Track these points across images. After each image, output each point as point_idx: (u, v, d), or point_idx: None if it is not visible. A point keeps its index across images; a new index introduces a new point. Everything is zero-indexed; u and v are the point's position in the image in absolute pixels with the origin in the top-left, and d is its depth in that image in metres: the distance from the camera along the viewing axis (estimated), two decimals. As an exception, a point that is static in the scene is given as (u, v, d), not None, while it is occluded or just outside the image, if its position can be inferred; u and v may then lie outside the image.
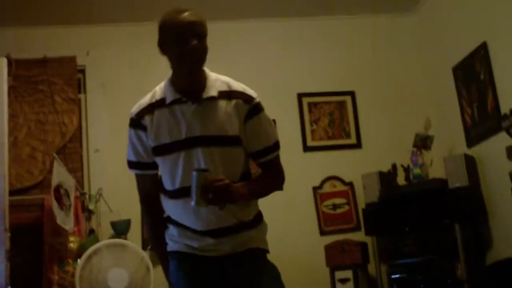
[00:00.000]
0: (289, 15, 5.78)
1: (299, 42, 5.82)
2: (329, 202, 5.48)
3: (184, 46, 2.33)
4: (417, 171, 5.09)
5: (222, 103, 2.43)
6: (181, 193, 2.42)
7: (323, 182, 5.52)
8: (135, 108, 2.50)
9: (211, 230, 2.43)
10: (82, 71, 5.50)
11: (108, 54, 5.53)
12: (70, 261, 4.51)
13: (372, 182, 5.13)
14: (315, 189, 5.50)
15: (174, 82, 2.45)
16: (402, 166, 5.19)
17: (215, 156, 2.39)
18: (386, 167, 5.22)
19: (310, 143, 5.62)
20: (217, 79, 2.48)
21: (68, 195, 4.60)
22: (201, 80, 2.44)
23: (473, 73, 4.98)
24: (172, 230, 2.53)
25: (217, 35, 5.57)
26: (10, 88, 4.66)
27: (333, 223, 5.43)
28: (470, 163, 4.84)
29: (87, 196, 5.01)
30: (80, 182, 5.03)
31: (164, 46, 2.41)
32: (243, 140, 2.46)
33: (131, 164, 2.56)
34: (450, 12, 5.36)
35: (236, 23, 5.74)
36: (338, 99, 5.74)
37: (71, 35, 5.51)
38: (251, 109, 2.46)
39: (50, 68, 5.32)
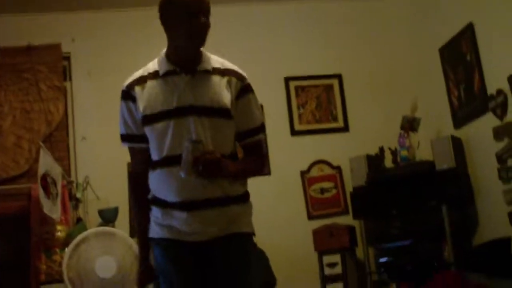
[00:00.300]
0: (275, -1, 5.75)
1: (286, 26, 5.79)
2: (317, 186, 5.48)
3: (195, 21, 2.41)
4: (404, 153, 5.10)
5: (216, 78, 2.49)
6: (167, 161, 2.43)
7: (311, 166, 5.52)
8: (126, 81, 2.54)
9: (197, 201, 2.41)
10: (68, 59, 5.46)
11: (94, 41, 5.49)
12: (58, 250, 4.51)
13: (359, 166, 5.13)
14: (302, 173, 5.50)
15: (169, 55, 2.50)
16: (389, 149, 5.19)
17: (206, 127, 2.42)
18: (373, 150, 5.22)
19: (297, 127, 5.61)
20: (212, 57, 2.56)
21: (55, 184, 4.58)
22: (197, 55, 2.51)
23: (460, 54, 4.97)
24: (156, 212, 2.51)
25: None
26: (-5, 76, 4.64)
27: (321, 207, 5.44)
28: (457, 144, 4.85)
29: (74, 185, 5.00)
30: (67, 171, 5.01)
31: (171, 21, 2.46)
32: (234, 117, 2.50)
33: (123, 137, 2.58)
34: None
35: (222, 7, 5.63)
36: (325, 83, 5.73)
37: (56, 22, 5.46)
38: (243, 87, 2.53)
39: (35, 56, 5.28)
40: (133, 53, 5.12)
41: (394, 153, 5.17)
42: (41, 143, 4.77)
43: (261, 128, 2.61)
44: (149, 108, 2.44)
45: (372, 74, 5.74)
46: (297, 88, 5.68)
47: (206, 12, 2.45)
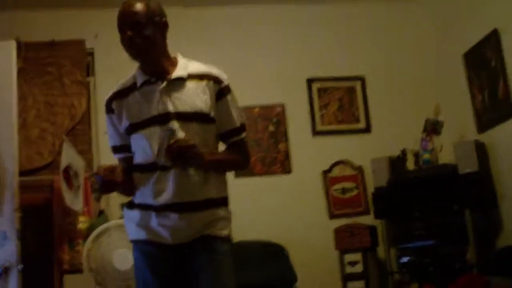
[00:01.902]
0: (299, 0, 5.75)
1: (310, 27, 5.80)
2: (339, 186, 5.47)
3: (121, 37, 2.47)
4: (426, 156, 5.08)
5: (192, 83, 2.51)
6: (154, 167, 2.44)
7: (333, 166, 5.51)
8: (107, 96, 2.60)
9: (177, 204, 2.42)
10: (91, 54, 5.49)
11: (117, 37, 5.47)
12: (80, 241, 4.52)
13: (381, 167, 5.13)
14: (324, 173, 5.49)
15: (142, 67, 2.54)
16: (412, 151, 5.17)
17: (190, 132, 2.43)
18: (395, 152, 5.21)
19: (319, 127, 5.61)
20: (188, 63, 2.58)
21: (77, 177, 4.59)
22: (166, 65, 2.52)
23: (484, 60, 4.96)
24: (136, 214, 2.52)
25: (227, 19, 5.65)
26: (19, 70, 4.64)
27: (343, 207, 5.43)
28: (481, 148, 4.83)
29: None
30: (90, 164, 5.03)
31: None
32: (216, 120, 2.53)
33: (113, 149, 2.62)
34: (461, -1, 5.35)
35: (246, 7, 5.72)
36: (347, 85, 5.73)
37: (80, 19, 5.49)
38: (221, 89, 2.53)
39: (59, 51, 5.31)
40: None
41: (416, 155, 5.15)
42: (64, 136, 4.79)
43: (241, 129, 2.61)
44: (132, 117, 2.48)
45: (396, 77, 5.73)
46: (319, 90, 5.68)
47: (134, 26, 2.42)
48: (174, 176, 2.42)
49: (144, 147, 2.46)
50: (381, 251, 5.14)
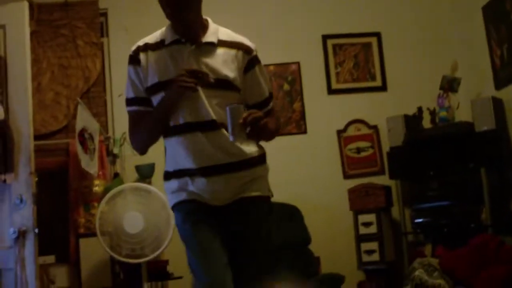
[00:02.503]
0: (314, -45, 5.64)
1: (324, -18, 5.69)
2: (353, 145, 5.44)
3: None
4: (443, 114, 5.02)
5: (221, 50, 2.49)
6: (186, 128, 2.44)
7: (347, 125, 5.47)
8: (133, 47, 2.55)
9: (213, 167, 2.42)
10: (105, 15, 5.46)
11: (130, -3, 5.47)
12: (96, 204, 4.59)
13: (397, 125, 5.07)
14: (339, 132, 5.46)
15: (173, 26, 2.51)
16: (428, 109, 5.11)
17: (213, 98, 2.43)
18: (411, 110, 5.15)
19: (334, 85, 5.55)
20: (218, 29, 2.55)
21: (92, 139, 4.63)
22: (198, 27, 2.50)
23: (504, 13, 4.82)
24: (172, 184, 2.52)
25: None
26: (33, 33, 4.65)
27: (357, 166, 5.41)
28: (498, 106, 4.74)
29: (111, 140, 5.05)
30: (104, 126, 5.06)
31: None
32: (242, 90, 2.51)
33: (130, 101, 2.55)
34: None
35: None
36: (363, 41, 5.63)
37: (93, -22, 5.44)
38: (251, 59, 2.52)
39: (72, 12, 5.28)
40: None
41: (432, 113, 5.09)
42: (79, 99, 4.81)
43: (270, 98, 2.62)
44: (160, 75, 2.45)
45: (412, 33, 5.61)
46: (334, 46, 5.61)
47: None
48: (210, 137, 2.42)
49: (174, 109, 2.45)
50: (395, 211, 5.14)
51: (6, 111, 3.97)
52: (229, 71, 2.46)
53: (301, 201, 4.98)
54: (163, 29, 2.53)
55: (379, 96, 5.53)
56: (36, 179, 3.90)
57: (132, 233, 4.30)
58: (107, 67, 5.36)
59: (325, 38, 5.60)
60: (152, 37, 2.53)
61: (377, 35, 5.63)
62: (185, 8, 2.42)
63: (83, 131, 4.58)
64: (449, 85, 5.06)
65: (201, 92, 2.41)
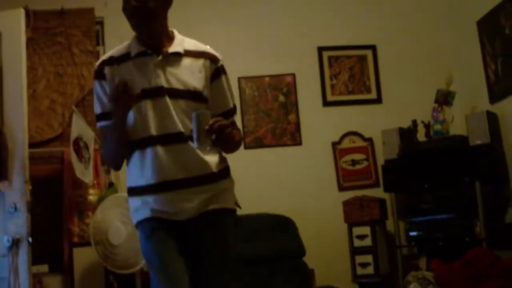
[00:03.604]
0: (310, -33, 5.67)
1: (320, -5, 5.72)
2: (348, 157, 5.45)
3: (124, 4, 2.44)
4: (437, 127, 5.04)
5: (188, 60, 2.50)
6: (147, 142, 2.42)
7: (342, 137, 5.48)
8: (98, 61, 2.56)
9: (175, 181, 2.40)
10: (101, 23, 5.45)
11: (127, 5, 5.45)
12: (90, 213, 4.56)
13: (392, 138, 5.08)
14: (334, 144, 5.46)
15: (139, 38, 2.51)
16: (422, 122, 5.13)
17: (183, 109, 2.42)
18: (406, 123, 5.17)
19: (330, 97, 5.56)
20: (184, 39, 2.56)
21: (87, 148, 4.60)
22: (164, 38, 2.51)
23: (498, 27, 4.86)
24: (135, 202, 2.49)
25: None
26: (29, 40, 4.64)
27: (352, 179, 5.41)
28: (492, 120, 4.77)
29: (106, 149, 5.02)
30: (99, 135, 5.03)
31: None
32: (209, 100, 2.50)
33: (98, 117, 2.54)
34: (476, -36, 5.23)
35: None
36: (359, 53, 5.65)
37: (89, -14, 5.44)
38: (217, 69, 2.54)
39: (68, 20, 5.26)
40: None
41: (427, 126, 5.11)
42: (74, 108, 4.78)
43: (234, 110, 2.61)
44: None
45: (407, 46, 5.64)
46: (330, 58, 5.62)
47: None
48: (172, 150, 2.40)
49: (136, 120, 2.43)
50: (390, 224, 5.14)
51: (1, 118, 3.96)
52: (197, 82, 2.46)
53: (296, 213, 4.97)
54: (129, 41, 2.53)
55: (374, 108, 5.55)
56: (30, 187, 3.88)
57: (115, 244, 4.28)
58: (102, 75, 5.34)
59: (320, 50, 5.61)
60: (117, 50, 2.53)
61: (373, 47, 5.65)
62: (150, 19, 2.42)
63: (78, 139, 4.56)
64: (444, 98, 5.08)
65: (169, 103, 2.40)
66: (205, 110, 2.36)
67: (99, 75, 2.51)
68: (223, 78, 2.55)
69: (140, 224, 2.49)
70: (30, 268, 3.77)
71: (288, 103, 5.49)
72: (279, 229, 4.81)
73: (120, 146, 2.47)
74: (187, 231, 2.46)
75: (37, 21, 5.15)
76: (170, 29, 2.56)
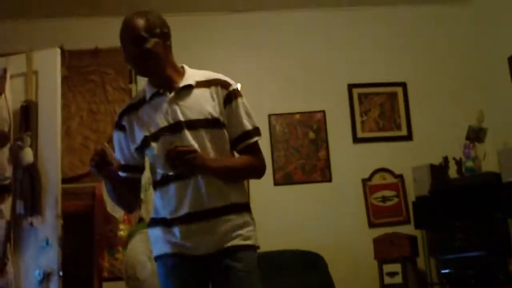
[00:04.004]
0: (340, 5, 5.72)
1: (350, 32, 5.75)
2: (379, 194, 5.41)
3: (124, 53, 2.48)
4: (469, 164, 4.99)
5: (200, 91, 2.51)
6: (169, 178, 2.45)
7: (373, 174, 5.45)
8: (118, 111, 2.62)
9: (195, 213, 2.40)
10: (134, 62, 5.55)
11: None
12: (120, 248, 4.59)
13: (422, 175, 5.04)
14: (364, 181, 5.44)
15: (150, 81, 2.57)
16: (454, 159, 5.09)
17: (204, 139, 2.44)
18: (437, 160, 5.13)
19: (360, 134, 5.56)
20: (195, 72, 2.58)
21: (118, 184, 4.65)
22: (172, 75, 2.53)
23: (530, 64, 4.84)
24: (157, 231, 2.51)
25: (267, 24, 5.65)
26: (64, 78, 4.75)
27: (382, 215, 5.36)
28: (525, 156, 4.71)
29: (137, 185, 5.06)
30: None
31: None
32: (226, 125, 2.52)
33: (121, 168, 2.60)
34: (506, 1, 5.22)
35: (286, 12, 5.72)
36: (389, 90, 5.66)
37: (122, 26, 5.55)
38: (228, 94, 2.52)
39: (102, 59, 5.39)
40: (196, 54, 5.16)
41: (459, 163, 5.06)
42: (105, 144, 4.83)
43: (254, 132, 2.55)
44: (145, 130, 2.47)
45: (438, 82, 5.64)
46: (360, 96, 5.63)
47: (135, 41, 2.42)
48: (190, 185, 2.41)
49: (158, 159, 2.46)
50: (421, 261, 5.06)
51: (35, 154, 4.04)
52: (212, 109, 2.47)
53: (326, 249, 4.93)
54: (144, 86, 2.58)
55: (405, 145, 5.52)
56: (62, 222, 3.93)
57: (141, 279, 4.28)
58: (134, 112, 5.42)
59: (350, 87, 5.63)
60: (135, 97, 2.62)
61: (403, 84, 5.66)
62: (152, 60, 2.46)
63: (109, 175, 4.61)
64: (476, 135, 5.04)
65: (188, 135, 2.42)
66: (171, 137, 2.41)
67: (118, 126, 2.58)
68: (236, 101, 2.53)
69: (159, 258, 2.52)
70: (60, 302, 3.80)
71: (318, 139, 5.50)
72: (309, 265, 4.78)
73: (112, 195, 2.60)
74: (206, 266, 2.45)
75: (72, 60, 5.27)
76: (180, 65, 2.60)
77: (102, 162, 2.45)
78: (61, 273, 3.80)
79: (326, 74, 5.62)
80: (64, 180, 4.37)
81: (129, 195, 2.61)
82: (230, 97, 2.52)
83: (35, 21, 5.43)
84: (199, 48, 5.36)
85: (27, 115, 4.10)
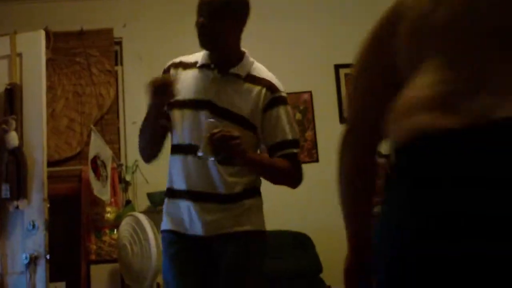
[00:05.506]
0: (327, -15, 5.70)
1: (336, 11, 5.70)
2: (366, 175, 5.42)
3: (196, 20, 2.45)
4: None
5: (245, 85, 2.47)
6: (183, 149, 2.45)
7: (360, 155, 5.46)
8: (170, 61, 2.60)
9: (202, 193, 2.40)
10: (119, 43, 5.52)
11: (145, 26, 5.52)
12: (107, 231, 4.60)
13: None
14: (351, 161, 5.44)
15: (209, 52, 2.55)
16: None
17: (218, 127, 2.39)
18: (424, 140, 5.13)
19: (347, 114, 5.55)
20: (252, 63, 2.53)
21: (105, 166, 4.65)
22: (232, 58, 2.50)
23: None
24: (166, 205, 2.53)
25: (251, 5, 5.60)
26: (48, 60, 4.72)
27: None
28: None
29: (124, 168, 5.06)
30: (117, 154, 5.07)
31: None
32: (259, 129, 2.46)
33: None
34: None
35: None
36: (376, 70, 5.65)
37: (108, 8, 5.51)
38: (273, 98, 2.46)
39: (87, 41, 5.35)
40: (183, 38, 5.12)
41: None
42: (92, 126, 4.84)
43: (294, 143, 2.51)
44: (179, 94, 2.45)
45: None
46: (347, 76, 5.62)
47: (208, 14, 2.41)
48: (198, 163, 2.39)
49: (177, 127, 2.47)
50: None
51: (21, 137, 4.02)
52: (246, 107, 2.42)
53: (313, 230, 4.95)
54: (202, 52, 2.55)
55: (392, 125, 5.52)
56: (49, 205, 3.92)
57: (126, 262, 4.28)
58: (120, 95, 5.40)
59: (337, 67, 5.61)
60: (190, 57, 2.59)
61: (390, 64, 5.64)
62: (215, 39, 2.44)
63: (96, 158, 4.61)
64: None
65: (205, 117, 2.41)
66: (215, 120, 2.34)
67: (165, 72, 2.57)
68: (279, 108, 2.46)
69: (163, 232, 2.54)
70: (47, 285, 3.81)
71: (305, 120, 5.50)
72: (297, 246, 4.80)
73: (147, 136, 2.54)
74: (207, 249, 2.44)
75: (57, 42, 5.23)
76: (242, 50, 2.56)
77: (165, 92, 2.37)
78: (48, 256, 3.80)
79: (312, 54, 5.59)
80: (50, 163, 4.37)
81: (160, 142, 2.58)
82: (274, 102, 2.46)
83: (20, 3, 5.36)
84: (183, 28, 5.33)
85: (11, 98, 4.08)
